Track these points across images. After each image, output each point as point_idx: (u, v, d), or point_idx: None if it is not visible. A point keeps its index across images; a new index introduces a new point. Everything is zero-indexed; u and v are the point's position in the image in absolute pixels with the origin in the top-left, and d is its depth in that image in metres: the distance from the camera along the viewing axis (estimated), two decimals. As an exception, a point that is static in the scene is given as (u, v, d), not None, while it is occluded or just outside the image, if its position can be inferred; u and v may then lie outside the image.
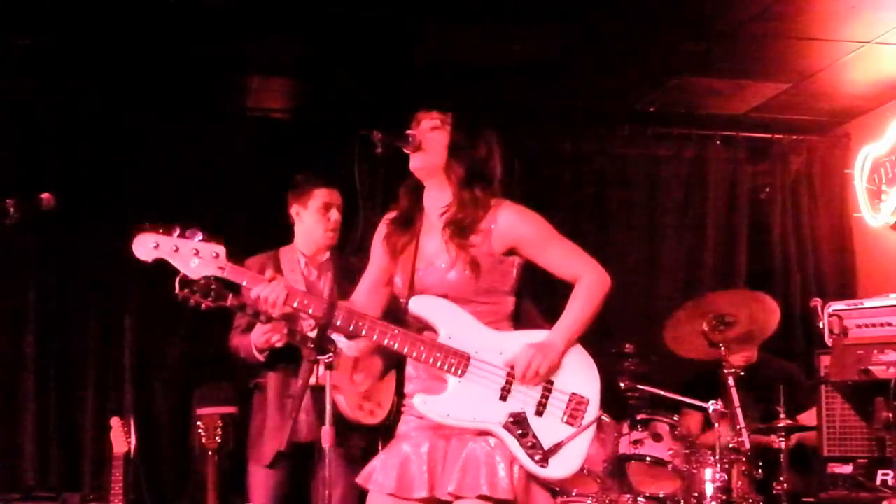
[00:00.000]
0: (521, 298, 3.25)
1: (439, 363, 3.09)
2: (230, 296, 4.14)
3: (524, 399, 3.09)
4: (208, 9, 4.89)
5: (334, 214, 4.51)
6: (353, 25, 5.14)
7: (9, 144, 5.81)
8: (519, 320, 3.22)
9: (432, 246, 3.20)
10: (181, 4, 4.83)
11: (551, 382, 3.10)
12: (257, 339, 4.31)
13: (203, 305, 3.89)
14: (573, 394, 3.11)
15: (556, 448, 3.06)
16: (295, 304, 3.13)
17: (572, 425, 3.09)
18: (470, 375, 3.09)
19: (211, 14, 4.95)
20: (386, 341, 3.11)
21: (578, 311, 3.14)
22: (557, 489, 4.70)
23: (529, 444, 3.05)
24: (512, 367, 3.09)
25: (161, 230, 3.03)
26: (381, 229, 3.32)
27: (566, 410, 3.09)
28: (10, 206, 3.78)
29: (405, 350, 3.11)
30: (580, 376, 3.13)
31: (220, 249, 3.06)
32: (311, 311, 3.13)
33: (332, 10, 4.96)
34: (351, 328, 3.10)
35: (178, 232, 3.05)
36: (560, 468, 3.07)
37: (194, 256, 3.05)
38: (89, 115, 5.90)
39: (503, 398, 3.08)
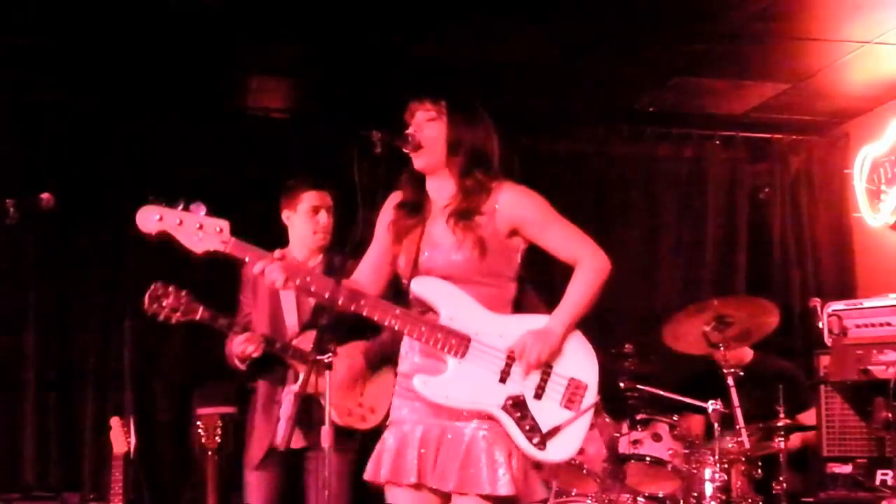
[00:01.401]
0: (522, 285, 3.26)
1: (440, 344, 3.10)
2: (200, 309, 4.18)
3: (523, 382, 3.10)
4: (208, 9, 4.89)
5: (323, 217, 4.51)
6: (353, 25, 5.14)
7: (9, 144, 5.81)
8: (520, 306, 3.23)
9: (438, 230, 3.21)
10: (181, 4, 4.84)
11: (550, 366, 3.11)
12: (235, 350, 4.33)
13: (173, 319, 3.93)
14: (572, 378, 3.12)
15: (555, 431, 3.07)
16: (297, 282, 3.13)
17: (570, 409, 3.10)
18: (470, 357, 3.10)
19: (211, 14, 4.95)
20: (387, 321, 3.12)
21: (578, 295, 3.15)
22: (556, 488, 4.70)
23: (528, 426, 3.06)
24: (513, 352, 3.10)
25: (165, 203, 3.03)
26: (388, 212, 3.32)
27: (565, 394, 3.11)
28: (10, 206, 3.79)
29: (406, 330, 3.13)
30: (579, 361, 3.14)
31: (224, 224, 3.05)
32: (313, 289, 3.14)
33: (332, 10, 4.96)
34: (353, 308, 3.11)
35: (182, 205, 3.04)
36: (558, 452, 3.09)
37: (198, 230, 3.04)
38: (89, 114, 5.90)
39: (503, 381, 3.10)
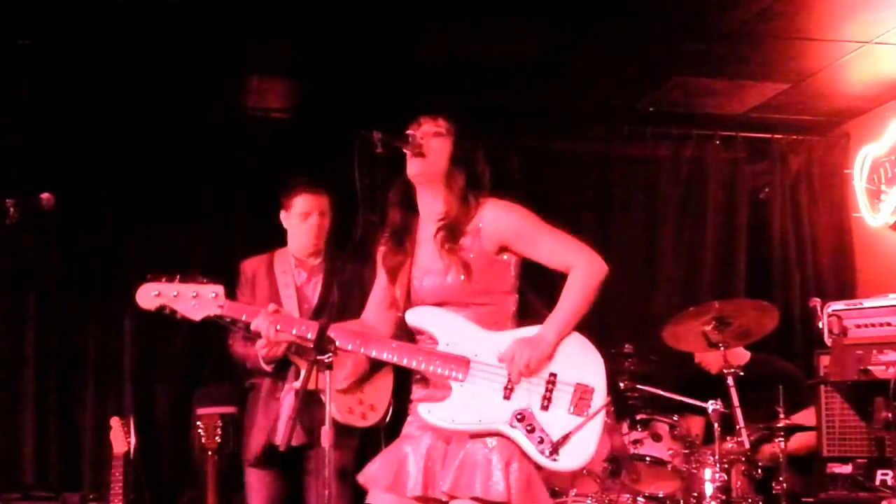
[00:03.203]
0: (524, 296, 3.27)
1: (440, 370, 3.12)
2: None
3: (528, 395, 3.10)
4: (208, 8, 4.89)
5: (314, 220, 4.52)
6: (353, 25, 5.14)
7: (9, 144, 5.81)
8: (524, 317, 3.24)
9: (426, 254, 3.24)
10: (181, 4, 4.84)
11: (554, 375, 3.11)
12: (263, 354, 4.31)
13: (178, 314, 3.92)
14: (577, 384, 3.12)
15: (565, 440, 3.07)
16: (294, 332, 3.23)
17: (580, 415, 3.10)
18: (471, 379, 3.11)
19: (211, 14, 4.95)
20: (385, 356, 3.17)
21: (570, 302, 3.15)
22: (556, 489, 4.70)
23: (538, 439, 3.07)
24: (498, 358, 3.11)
25: (163, 279, 3.22)
26: (380, 248, 3.36)
27: (572, 401, 3.11)
28: (10, 206, 3.79)
29: (404, 362, 3.16)
30: (583, 365, 3.15)
31: (219, 289, 3.23)
32: (309, 336, 3.19)
33: (332, 11, 4.96)
34: (350, 347, 3.17)
35: (178, 278, 3.22)
36: (572, 459, 3.09)
37: (193, 299, 3.21)
38: (89, 115, 5.90)
39: (507, 397, 3.10)
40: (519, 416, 3.08)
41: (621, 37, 5.35)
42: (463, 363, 3.12)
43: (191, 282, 3.22)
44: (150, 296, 3.21)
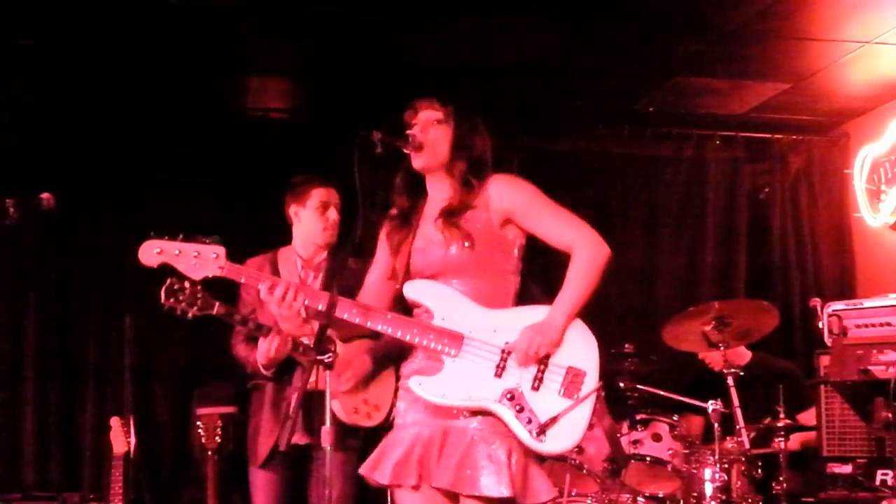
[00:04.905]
0: (523, 278, 3.27)
1: (433, 344, 3.12)
2: (217, 304, 4.16)
3: (519, 374, 3.10)
4: (209, 8, 4.89)
5: (333, 214, 4.52)
6: (353, 25, 5.14)
7: (9, 144, 5.81)
8: (522, 300, 3.24)
9: (428, 230, 3.25)
10: (181, 4, 4.84)
11: (548, 356, 3.11)
12: (261, 358, 4.31)
13: (190, 314, 3.94)
14: (569, 367, 3.12)
15: (553, 421, 3.06)
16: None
17: (569, 398, 3.09)
18: (464, 355, 3.11)
19: (211, 14, 4.95)
20: (380, 327, 3.16)
21: (576, 285, 3.15)
22: (560, 489, 4.70)
23: (526, 419, 3.06)
24: (508, 346, 3.10)
25: (165, 237, 3.21)
26: (385, 226, 3.37)
27: (563, 384, 3.10)
28: (10, 206, 3.78)
29: (398, 334, 3.15)
30: (576, 349, 3.14)
31: (220, 250, 3.21)
32: (307, 303, 3.17)
33: (332, 10, 4.96)
34: (346, 317, 3.14)
35: (180, 237, 3.22)
36: (558, 442, 3.08)
37: (195, 258, 3.20)
38: (89, 115, 5.90)
39: (498, 375, 3.10)
40: (509, 395, 3.07)
41: (621, 37, 5.35)
42: (456, 338, 3.11)
43: (193, 241, 3.21)
44: (151, 253, 3.20)
